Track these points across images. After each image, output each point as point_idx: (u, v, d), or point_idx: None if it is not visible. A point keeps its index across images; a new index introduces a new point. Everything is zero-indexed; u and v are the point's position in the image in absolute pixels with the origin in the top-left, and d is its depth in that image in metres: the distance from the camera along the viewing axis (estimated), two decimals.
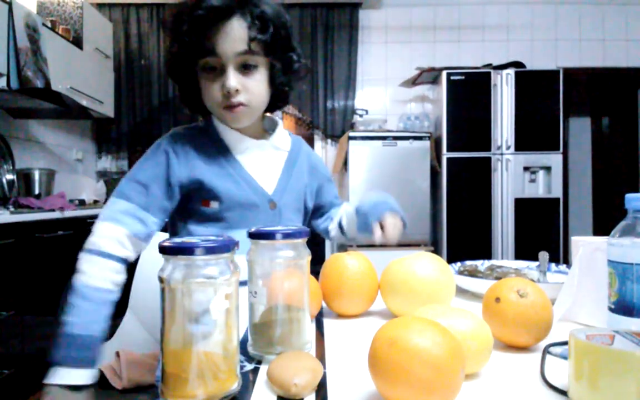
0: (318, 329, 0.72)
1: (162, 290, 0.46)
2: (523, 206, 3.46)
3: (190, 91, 0.97)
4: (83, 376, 0.70)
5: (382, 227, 0.98)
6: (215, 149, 0.98)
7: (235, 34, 0.88)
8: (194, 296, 0.46)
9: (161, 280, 0.46)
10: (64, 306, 0.77)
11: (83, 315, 0.76)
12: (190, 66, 0.93)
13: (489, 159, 3.46)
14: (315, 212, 1.19)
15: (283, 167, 1.05)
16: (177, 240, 0.48)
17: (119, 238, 0.83)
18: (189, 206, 0.96)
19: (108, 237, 0.82)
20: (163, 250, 0.46)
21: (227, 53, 0.88)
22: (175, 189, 0.93)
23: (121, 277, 0.83)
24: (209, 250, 0.46)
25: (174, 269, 0.46)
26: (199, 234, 0.94)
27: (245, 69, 0.91)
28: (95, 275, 0.79)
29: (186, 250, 0.45)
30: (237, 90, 0.90)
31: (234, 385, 0.48)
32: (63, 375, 0.70)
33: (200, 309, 0.46)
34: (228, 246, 0.47)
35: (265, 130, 1.07)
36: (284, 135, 1.08)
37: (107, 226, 0.84)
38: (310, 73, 0.99)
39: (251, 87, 0.92)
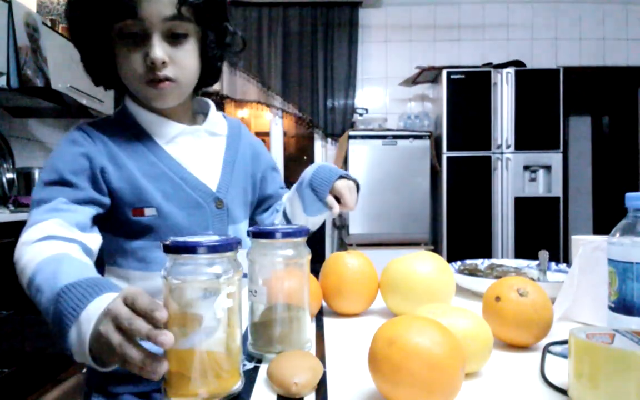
0: (318, 328, 0.71)
1: (165, 289, 0.46)
2: (523, 205, 3.46)
3: (101, 59, 0.78)
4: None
5: (337, 198, 0.85)
6: (137, 141, 0.80)
7: None
8: (197, 295, 0.46)
9: (164, 279, 0.46)
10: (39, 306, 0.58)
11: (54, 275, 0.57)
12: (102, 29, 0.74)
13: (489, 158, 3.46)
14: (261, 204, 1.02)
15: (224, 156, 0.89)
16: (180, 239, 0.48)
17: (53, 227, 0.66)
18: (117, 217, 0.77)
19: (38, 231, 0.66)
20: (166, 249, 0.46)
21: (153, 17, 0.72)
22: (101, 181, 0.75)
23: (80, 253, 0.65)
24: (212, 249, 0.45)
25: (177, 268, 0.46)
26: (133, 250, 0.77)
27: (173, 38, 0.75)
28: (42, 250, 0.62)
29: (189, 249, 0.45)
30: (163, 63, 0.74)
31: (237, 384, 0.48)
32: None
33: (202, 308, 0.46)
34: (231, 245, 0.47)
35: (195, 114, 0.91)
36: (218, 118, 0.91)
37: (30, 231, 0.67)
38: (245, 46, 0.86)
39: (180, 60, 0.77)
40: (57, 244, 0.63)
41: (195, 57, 0.80)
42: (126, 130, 0.80)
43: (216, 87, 4.03)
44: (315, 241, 3.79)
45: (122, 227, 0.77)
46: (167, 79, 0.76)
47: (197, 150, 0.85)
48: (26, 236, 0.66)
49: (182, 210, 0.79)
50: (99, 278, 0.55)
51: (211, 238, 0.48)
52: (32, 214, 0.70)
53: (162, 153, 0.80)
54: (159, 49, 0.73)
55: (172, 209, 0.78)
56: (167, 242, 0.46)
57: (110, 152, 0.77)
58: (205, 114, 0.89)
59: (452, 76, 3.46)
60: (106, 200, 0.76)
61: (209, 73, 0.86)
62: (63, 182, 0.72)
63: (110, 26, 0.74)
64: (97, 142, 0.77)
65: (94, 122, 0.81)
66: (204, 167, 0.84)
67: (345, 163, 3.61)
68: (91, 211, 0.73)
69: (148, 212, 0.76)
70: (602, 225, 4.40)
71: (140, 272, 0.78)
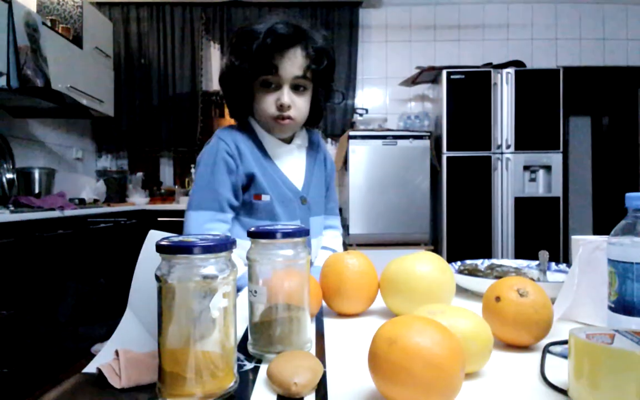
0: (318, 329, 0.71)
1: (160, 289, 0.46)
2: (523, 205, 3.46)
3: (240, 100, 1.13)
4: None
5: None
6: (258, 151, 1.14)
7: (296, 61, 1.06)
8: (192, 295, 0.46)
9: (158, 279, 0.46)
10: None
11: None
12: (248, 80, 1.08)
13: (489, 158, 3.46)
14: None
15: (305, 163, 1.21)
16: (175, 239, 0.48)
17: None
18: (243, 199, 1.12)
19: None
20: (160, 249, 0.46)
21: (287, 75, 1.06)
22: (239, 188, 1.10)
23: None
24: (207, 249, 0.45)
25: (172, 267, 0.45)
26: (248, 224, 1.11)
27: (296, 89, 1.09)
28: None
29: (184, 249, 0.45)
30: (289, 106, 1.07)
31: (231, 383, 0.48)
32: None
33: (198, 308, 0.46)
34: (226, 245, 0.47)
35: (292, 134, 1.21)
36: (302, 134, 1.22)
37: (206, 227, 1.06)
38: (344, 98, 1.25)
39: (299, 105, 1.10)
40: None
41: (308, 104, 1.13)
42: (251, 141, 1.14)
43: (216, 87, 4.03)
44: None
45: (244, 206, 1.12)
46: (289, 117, 1.09)
47: (290, 161, 1.18)
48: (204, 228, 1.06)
49: (280, 203, 1.12)
50: None
51: (207, 238, 0.48)
52: (190, 217, 1.06)
53: (270, 161, 1.14)
54: (287, 97, 1.07)
55: (276, 199, 1.11)
56: (162, 242, 0.46)
57: (243, 158, 1.10)
58: (295, 133, 1.19)
59: (452, 76, 3.46)
60: (237, 201, 1.11)
61: (314, 116, 1.19)
62: (209, 190, 1.07)
63: (256, 77, 1.07)
64: (236, 155, 1.09)
65: (233, 132, 1.13)
66: (294, 174, 1.17)
67: (345, 163, 3.61)
68: (228, 215, 1.09)
69: (264, 198, 1.10)
70: (602, 225, 4.40)
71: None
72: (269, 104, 1.08)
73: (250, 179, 1.10)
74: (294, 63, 1.06)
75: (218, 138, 1.11)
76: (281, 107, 1.07)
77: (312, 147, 1.24)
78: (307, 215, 1.16)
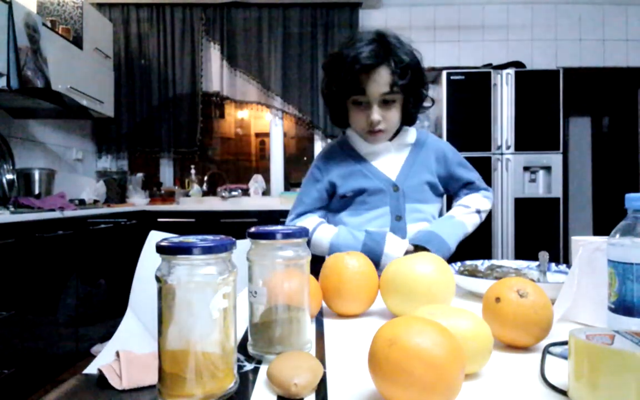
0: (318, 329, 0.71)
1: (160, 290, 0.46)
2: (523, 206, 3.46)
3: (340, 114, 1.29)
4: None
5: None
6: (351, 156, 1.31)
7: (381, 80, 1.16)
8: (192, 296, 0.46)
9: (158, 279, 0.46)
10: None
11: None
12: (342, 98, 1.24)
13: (489, 159, 3.46)
14: (455, 195, 1.42)
15: (406, 157, 1.30)
16: (175, 239, 0.48)
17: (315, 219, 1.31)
18: (332, 200, 1.32)
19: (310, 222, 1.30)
20: (160, 250, 0.46)
21: (374, 94, 1.17)
22: (324, 193, 1.31)
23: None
24: (207, 250, 0.45)
25: (172, 268, 0.45)
26: (340, 217, 1.32)
27: (385, 103, 1.19)
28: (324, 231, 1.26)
29: (184, 250, 0.45)
30: (379, 121, 1.19)
31: (232, 384, 0.48)
32: None
33: (198, 309, 0.46)
34: (226, 246, 0.47)
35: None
36: (406, 133, 1.33)
37: (305, 221, 1.31)
38: (433, 103, 1.27)
39: (389, 118, 1.21)
40: (327, 227, 1.29)
41: (399, 113, 1.24)
42: (344, 150, 1.33)
43: (216, 88, 4.03)
44: None
45: (334, 204, 1.33)
46: (380, 130, 1.22)
47: (384, 156, 1.30)
48: (303, 224, 1.29)
49: (371, 192, 1.26)
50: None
51: (207, 238, 0.48)
52: (294, 219, 1.32)
53: (364, 161, 1.30)
54: (376, 114, 1.19)
55: (362, 192, 1.26)
56: (162, 243, 0.46)
57: (329, 170, 1.30)
58: (398, 134, 1.31)
59: (452, 77, 3.46)
60: (326, 201, 1.33)
61: (406, 121, 1.29)
62: (302, 204, 1.33)
63: (348, 96, 1.22)
64: (323, 168, 1.32)
65: (332, 147, 1.37)
66: (388, 167, 1.29)
67: None
68: (317, 212, 1.34)
69: (349, 194, 1.28)
70: (602, 226, 4.39)
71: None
72: (360, 120, 1.22)
73: (334, 185, 1.29)
74: (379, 83, 1.16)
75: (321, 153, 1.37)
76: (371, 124, 1.19)
77: (418, 144, 1.33)
78: (401, 201, 1.27)
